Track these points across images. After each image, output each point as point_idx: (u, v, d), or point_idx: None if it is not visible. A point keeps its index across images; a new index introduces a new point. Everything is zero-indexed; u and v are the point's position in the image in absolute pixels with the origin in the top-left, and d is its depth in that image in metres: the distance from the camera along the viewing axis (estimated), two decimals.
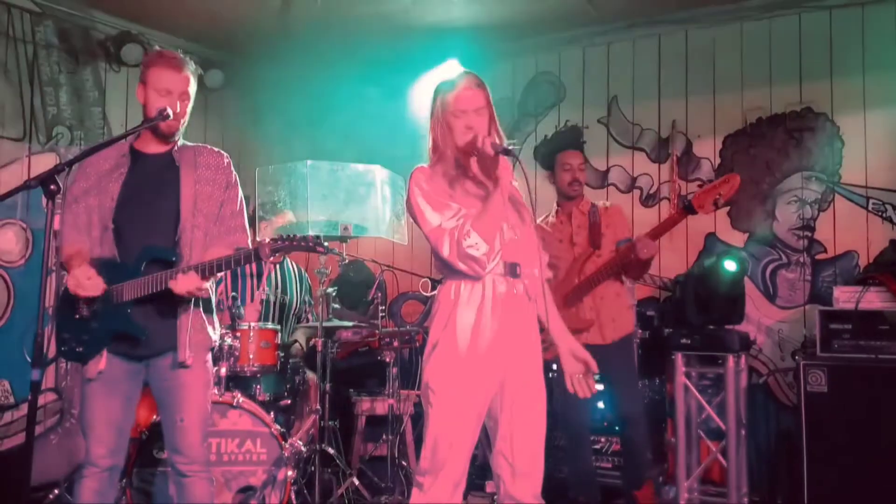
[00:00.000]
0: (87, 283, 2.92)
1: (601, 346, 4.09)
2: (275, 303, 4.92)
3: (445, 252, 2.75)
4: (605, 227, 4.32)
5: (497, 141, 2.80)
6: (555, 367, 3.80)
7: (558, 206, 4.50)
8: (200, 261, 2.95)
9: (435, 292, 2.95)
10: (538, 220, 4.29)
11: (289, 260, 5.07)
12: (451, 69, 6.03)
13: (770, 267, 5.20)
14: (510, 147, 2.74)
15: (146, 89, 3.07)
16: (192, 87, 3.12)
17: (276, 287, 4.93)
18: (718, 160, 5.46)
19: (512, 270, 2.84)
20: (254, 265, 4.86)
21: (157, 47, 5.32)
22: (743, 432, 4.63)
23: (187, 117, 3.14)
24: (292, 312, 5.01)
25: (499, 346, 2.78)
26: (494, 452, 2.86)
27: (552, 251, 4.08)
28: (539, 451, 2.86)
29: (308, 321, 5.12)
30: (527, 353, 2.86)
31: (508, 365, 2.80)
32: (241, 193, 3.23)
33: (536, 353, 2.91)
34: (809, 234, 5.10)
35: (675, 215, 4.14)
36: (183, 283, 2.88)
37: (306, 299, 5.12)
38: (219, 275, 3.10)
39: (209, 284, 3.05)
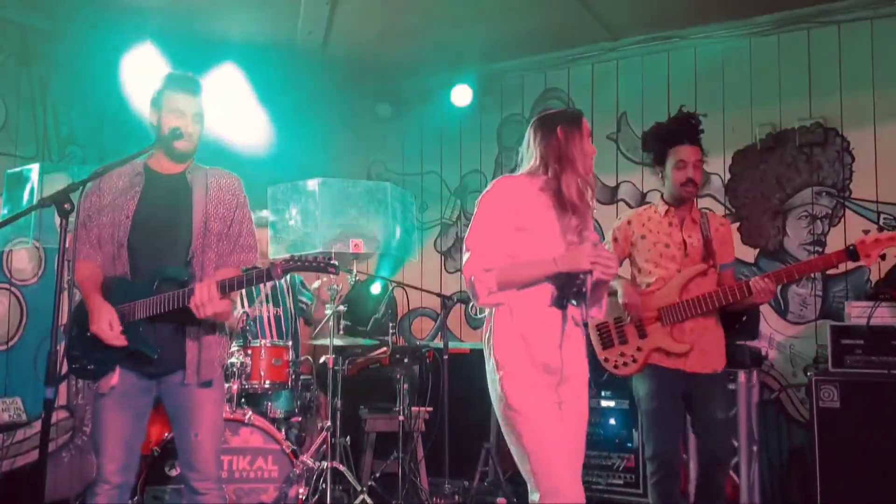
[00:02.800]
0: (110, 333, 2.95)
1: (700, 374, 3.61)
2: (268, 318, 4.92)
3: (466, 274, 2.80)
4: (717, 246, 3.74)
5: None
6: (641, 392, 3.67)
7: (666, 204, 3.80)
8: (211, 279, 2.97)
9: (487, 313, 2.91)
10: (628, 216, 3.90)
11: None
12: (462, 90, 6.10)
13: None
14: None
15: (160, 111, 3.11)
16: (204, 110, 3.17)
17: (266, 301, 4.92)
18: (728, 176, 5.46)
19: (559, 302, 2.80)
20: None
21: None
22: (755, 448, 4.61)
23: (199, 137, 3.17)
24: (290, 319, 5.01)
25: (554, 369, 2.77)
26: None
27: (651, 256, 3.73)
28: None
29: (306, 306, 5.07)
30: (576, 378, 2.88)
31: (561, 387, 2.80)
32: (250, 214, 3.26)
33: (584, 377, 2.95)
34: (820, 250, 5.09)
35: (829, 257, 3.63)
36: (200, 294, 2.89)
37: (301, 300, 5.09)
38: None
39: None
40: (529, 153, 3.05)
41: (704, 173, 5.43)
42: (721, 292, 3.57)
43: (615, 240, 3.88)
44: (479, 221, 2.86)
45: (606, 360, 3.76)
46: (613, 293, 3.68)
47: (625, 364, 3.70)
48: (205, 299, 2.89)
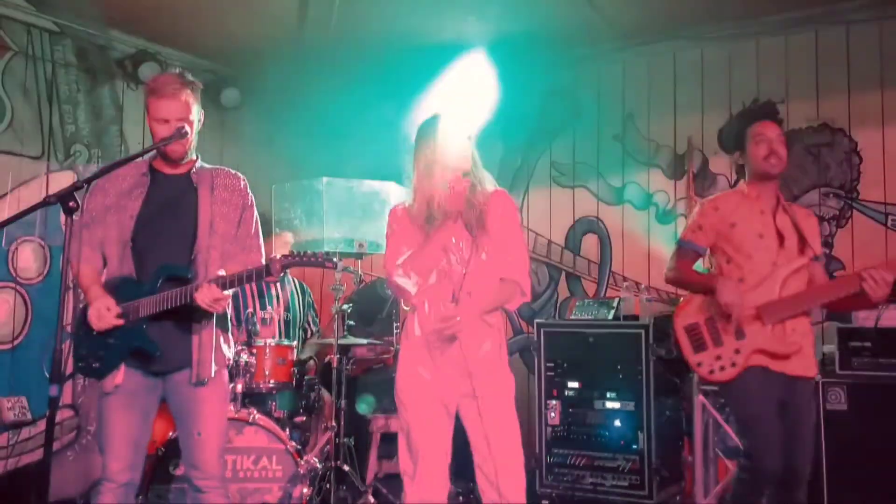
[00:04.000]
0: (106, 314, 2.98)
1: (805, 379, 3.37)
2: (279, 320, 4.93)
3: (389, 279, 3.16)
4: (809, 238, 3.46)
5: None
6: (738, 397, 3.40)
7: (755, 189, 3.51)
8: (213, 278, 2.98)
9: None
10: (714, 201, 3.57)
11: (289, 275, 5.07)
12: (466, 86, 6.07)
13: None
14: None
15: (148, 119, 3.11)
16: (194, 110, 3.12)
17: (279, 304, 4.94)
18: (735, 177, 5.43)
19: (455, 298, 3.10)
20: (254, 285, 4.87)
21: (176, 67, 5.39)
22: None
23: (194, 140, 3.16)
24: (297, 327, 5.02)
25: (445, 367, 3.09)
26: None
27: (740, 247, 3.42)
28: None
29: (312, 333, 5.12)
30: (483, 371, 3.09)
31: (460, 384, 3.07)
32: (256, 215, 3.26)
33: (492, 371, 3.13)
34: (828, 251, 5.06)
35: None
36: (205, 293, 2.92)
37: (309, 313, 5.11)
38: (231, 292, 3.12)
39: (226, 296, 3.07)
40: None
41: (711, 174, 5.45)
42: (827, 288, 3.34)
43: (700, 228, 3.52)
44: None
45: (700, 364, 3.43)
46: (710, 291, 3.38)
47: (722, 368, 3.37)
48: (208, 301, 2.91)
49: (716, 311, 3.38)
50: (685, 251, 3.56)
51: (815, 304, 3.38)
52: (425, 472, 3.10)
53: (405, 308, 3.23)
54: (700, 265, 3.65)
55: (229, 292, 3.01)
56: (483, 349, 3.10)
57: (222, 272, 2.99)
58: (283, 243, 4.95)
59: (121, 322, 2.97)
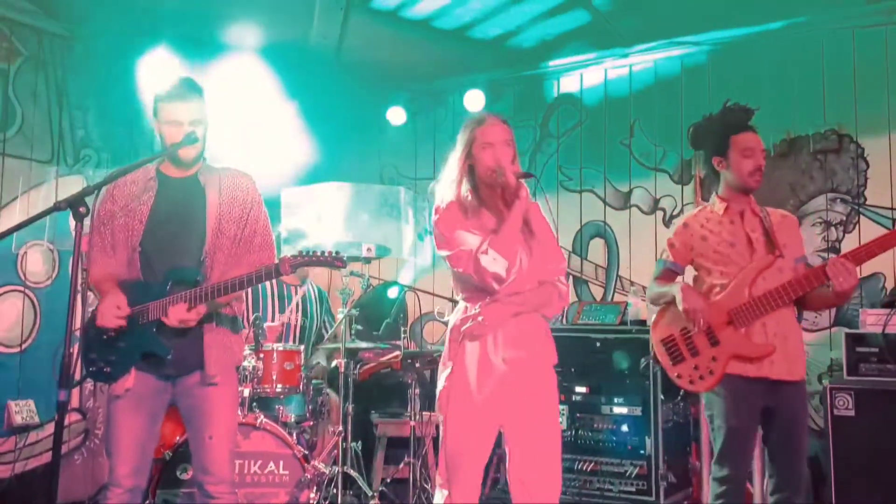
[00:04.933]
0: (115, 312, 2.99)
1: (787, 382, 3.29)
2: (295, 325, 4.94)
3: (462, 267, 2.96)
4: (784, 239, 3.44)
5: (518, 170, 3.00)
6: (716, 408, 3.35)
7: (724, 201, 3.53)
8: (222, 280, 2.99)
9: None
10: (684, 218, 3.61)
11: (310, 282, 5.10)
12: (475, 94, 6.10)
13: None
14: (530, 172, 2.99)
15: (159, 123, 3.12)
16: (204, 112, 3.15)
17: (297, 310, 4.95)
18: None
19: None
20: (276, 287, 4.90)
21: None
22: None
23: (205, 142, 3.18)
24: (312, 333, 5.03)
25: (504, 371, 2.95)
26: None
27: (715, 257, 3.44)
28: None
29: (328, 340, 5.13)
30: (533, 379, 2.99)
31: (517, 390, 2.96)
32: (265, 213, 3.26)
33: (544, 377, 3.04)
34: (835, 256, 5.05)
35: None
36: (173, 315, 2.95)
37: (326, 319, 5.13)
38: (234, 294, 3.12)
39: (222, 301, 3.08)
40: None
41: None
42: (794, 282, 3.28)
43: (672, 246, 3.57)
44: (439, 235, 3.11)
45: (679, 376, 3.42)
46: (672, 300, 3.43)
47: (701, 378, 3.36)
48: (175, 322, 2.95)
49: (687, 320, 3.40)
50: (664, 271, 3.61)
51: (784, 301, 3.30)
52: (461, 486, 2.98)
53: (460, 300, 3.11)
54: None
55: (202, 310, 3.01)
56: (530, 354, 3.01)
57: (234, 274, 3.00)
58: (291, 249, 4.97)
59: (123, 323, 2.99)
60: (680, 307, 3.36)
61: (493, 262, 2.88)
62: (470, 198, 3.04)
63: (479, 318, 2.95)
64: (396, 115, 6.45)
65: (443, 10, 5.25)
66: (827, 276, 3.19)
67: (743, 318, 3.32)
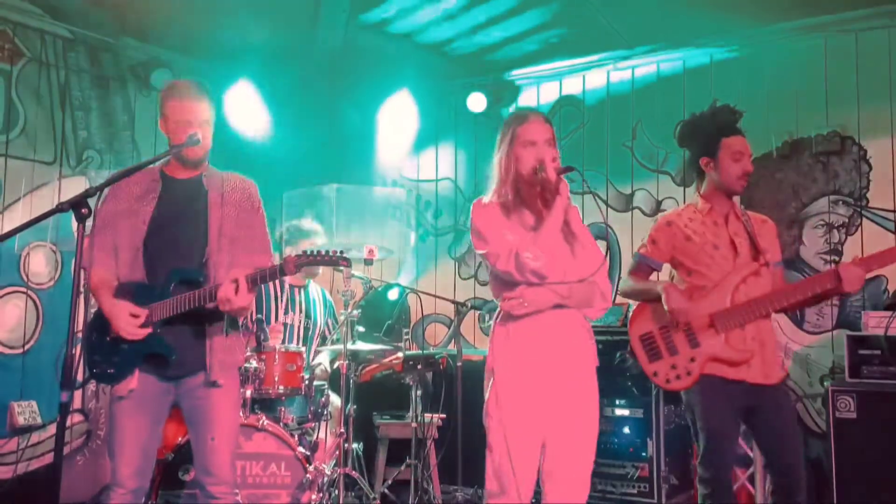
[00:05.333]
0: (134, 322, 2.98)
1: (763, 386, 3.34)
2: (298, 326, 4.95)
3: (503, 265, 2.89)
4: (764, 244, 3.50)
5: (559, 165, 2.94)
6: (697, 408, 3.39)
7: (708, 202, 3.56)
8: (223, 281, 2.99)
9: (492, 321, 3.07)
10: (667, 216, 3.61)
11: (313, 283, 5.10)
12: (477, 97, 6.10)
13: None
14: (571, 166, 2.91)
15: (167, 122, 3.14)
16: (212, 114, 3.19)
17: (300, 311, 4.96)
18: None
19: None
20: (278, 288, 4.90)
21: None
22: None
23: (210, 143, 3.19)
24: (316, 335, 5.03)
25: (549, 373, 2.90)
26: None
27: (698, 259, 3.47)
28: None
29: (331, 342, 5.14)
30: (577, 381, 2.95)
31: (559, 393, 2.91)
32: (265, 219, 3.28)
33: (588, 379, 3.00)
34: (837, 259, 5.05)
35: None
36: (224, 289, 2.92)
37: (329, 322, 5.13)
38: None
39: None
40: None
41: None
42: (795, 288, 3.34)
43: (654, 242, 3.57)
44: (477, 232, 3.05)
45: (656, 373, 3.45)
46: (657, 298, 3.43)
47: (678, 377, 3.39)
48: (230, 294, 2.91)
49: (669, 318, 3.41)
50: (640, 265, 3.62)
51: (768, 310, 3.36)
52: (512, 495, 2.88)
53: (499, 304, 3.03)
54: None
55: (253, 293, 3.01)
56: (575, 358, 2.97)
57: (241, 274, 3.00)
58: (293, 250, 4.97)
59: (147, 331, 2.98)
60: (665, 307, 3.37)
61: (534, 260, 2.85)
62: (511, 196, 3.00)
63: (521, 299, 2.89)
64: (405, 116, 6.45)
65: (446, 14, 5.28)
66: (838, 282, 3.26)
67: (723, 323, 3.35)
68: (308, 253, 3.00)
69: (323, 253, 3.01)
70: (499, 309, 3.03)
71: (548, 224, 2.89)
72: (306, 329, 4.97)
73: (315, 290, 5.12)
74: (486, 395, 2.99)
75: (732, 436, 3.40)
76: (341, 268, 3.29)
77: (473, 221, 3.03)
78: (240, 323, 3.28)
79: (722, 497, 3.32)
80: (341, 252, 3.03)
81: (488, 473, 2.96)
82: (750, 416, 3.37)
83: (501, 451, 2.89)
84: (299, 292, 4.98)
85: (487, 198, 3.07)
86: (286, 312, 4.87)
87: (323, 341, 5.10)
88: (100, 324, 3.06)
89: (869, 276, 4.81)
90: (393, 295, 6.08)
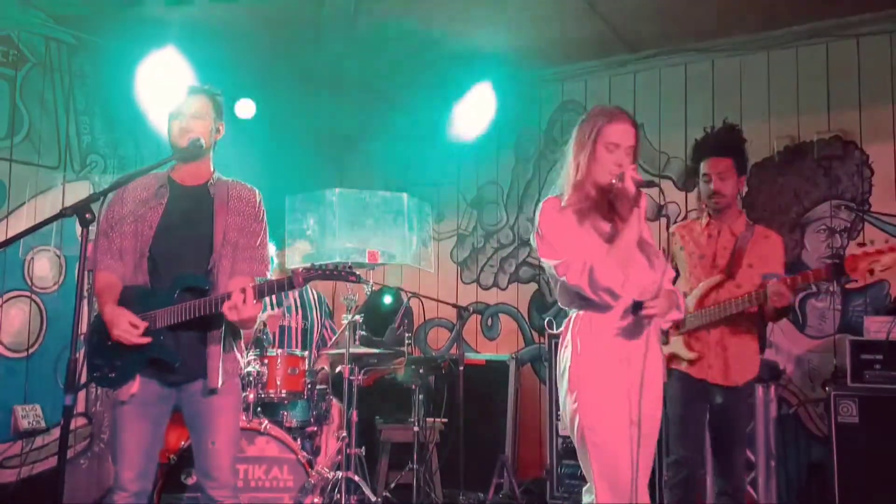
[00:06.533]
0: (134, 332, 2.98)
1: (721, 386, 3.62)
2: (296, 329, 4.95)
3: (574, 278, 2.76)
4: (754, 257, 3.70)
5: (639, 178, 2.80)
6: (671, 397, 3.51)
7: (710, 217, 3.85)
8: (226, 289, 3.01)
9: (562, 328, 2.95)
10: (679, 223, 3.90)
11: (308, 286, 5.11)
12: (480, 97, 6.09)
13: (799, 296, 5.14)
14: (654, 181, 2.89)
15: (178, 121, 3.16)
16: (213, 112, 3.22)
17: (297, 313, 4.96)
18: (746, 188, 5.43)
19: (635, 308, 2.80)
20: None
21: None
22: (773, 463, 4.58)
23: (211, 140, 3.21)
24: (314, 338, 5.04)
25: (624, 380, 2.78)
26: None
27: (689, 267, 3.81)
28: None
29: (328, 343, 5.14)
30: (648, 390, 2.83)
31: (633, 399, 2.78)
32: (266, 230, 3.29)
33: (658, 389, 2.96)
34: (838, 262, 5.04)
35: (819, 272, 3.63)
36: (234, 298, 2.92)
37: (327, 323, 5.14)
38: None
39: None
40: None
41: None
42: (732, 300, 3.58)
43: (664, 251, 3.60)
44: (546, 239, 2.92)
45: None
46: None
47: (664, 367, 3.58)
48: (238, 302, 2.91)
49: None
50: None
51: (719, 315, 3.60)
52: (616, 488, 2.74)
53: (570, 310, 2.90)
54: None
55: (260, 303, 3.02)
56: (657, 364, 2.92)
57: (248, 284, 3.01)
58: (296, 253, 4.97)
59: (147, 340, 2.98)
60: None
61: (608, 277, 2.73)
62: (585, 201, 2.85)
63: (656, 308, 2.76)
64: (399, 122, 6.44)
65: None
66: (765, 298, 3.47)
67: (684, 325, 3.67)
68: (317, 267, 3.01)
69: (331, 267, 3.02)
70: (575, 316, 2.89)
71: (625, 236, 2.77)
72: (304, 331, 4.98)
73: (311, 293, 5.13)
74: (572, 404, 2.81)
75: (698, 422, 3.69)
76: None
77: (542, 226, 2.86)
78: (242, 335, 3.29)
79: (687, 480, 3.65)
80: (350, 267, 3.04)
81: (594, 470, 2.77)
82: (710, 414, 3.68)
83: (605, 464, 2.75)
84: (294, 295, 4.99)
85: (563, 200, 2.89)
86: (285, 315, 4.88)
87: (323, 343, 5.11)
88: (102, 327, 3.07)
89: (871, 280, 4.88)
90: (387, 300, 6.09)
